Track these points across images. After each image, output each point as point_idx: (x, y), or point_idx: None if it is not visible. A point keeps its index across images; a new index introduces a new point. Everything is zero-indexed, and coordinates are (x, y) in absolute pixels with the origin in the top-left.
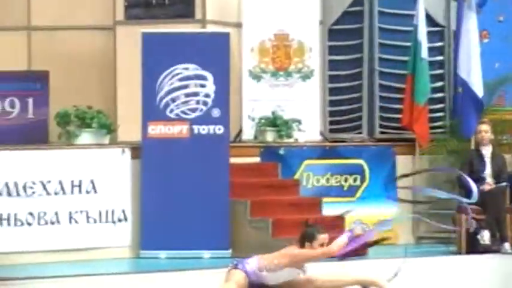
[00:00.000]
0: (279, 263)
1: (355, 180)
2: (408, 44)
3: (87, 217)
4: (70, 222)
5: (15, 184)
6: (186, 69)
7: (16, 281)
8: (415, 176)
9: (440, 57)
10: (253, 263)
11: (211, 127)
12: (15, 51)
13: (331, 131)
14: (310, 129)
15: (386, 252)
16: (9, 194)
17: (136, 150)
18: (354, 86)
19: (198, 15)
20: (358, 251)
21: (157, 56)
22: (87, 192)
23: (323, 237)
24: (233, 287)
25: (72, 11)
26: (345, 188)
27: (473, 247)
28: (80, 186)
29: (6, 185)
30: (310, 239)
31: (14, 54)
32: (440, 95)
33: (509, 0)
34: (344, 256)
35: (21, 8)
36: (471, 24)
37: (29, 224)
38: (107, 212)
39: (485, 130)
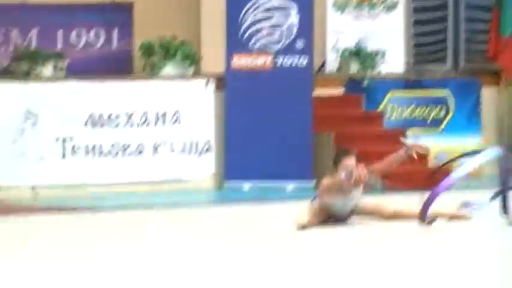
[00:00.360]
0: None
1: (439, 112)
2: None
3: (171, 148)
4: (154, 153)
5: (100, 115)
6: (270, 0)
7: (102, 212)
8: None
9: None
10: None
11: (295, 59)
12: None
13: (416, 62)
14: (394, 60)
15: (470, 185)
16: (93, 125)
17: (220, 82)
18: (440, 17)
19: None
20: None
21: None
22: (172, 123)
23: (347, 161)
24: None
25: None
26: (429, 120)
27: None
28: (164, 117)
29: (91, 116)
30: (336, 162)
31: None
32: None
33: None
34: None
35: None
36: None
37: (113, 156)
38: (191, 143)
39: None
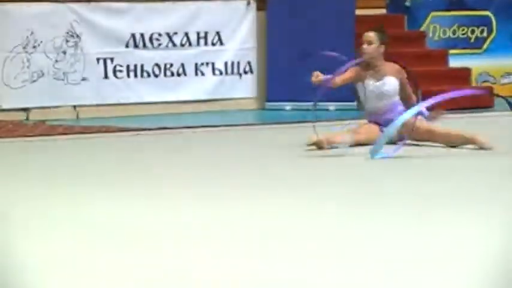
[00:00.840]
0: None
1: (482, 32)
2: None
3: (213, 69)
4: (196, 74)
5: (142, 36)
6: None
7: (145, 131)
8: None
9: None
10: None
11: None
12: None
13: None
14: None
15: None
16: (135, 46)
17: (262, 2)
18: None
19: None
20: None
21: None
22: (213, 44)
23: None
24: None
25: None
26: (472, 40)
27: None
28: (205, 38)
29: (133, 36)
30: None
31: None
32: None
33: None
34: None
35: None
36: None
37: (156, 76)
38: (232, 64)
39: None
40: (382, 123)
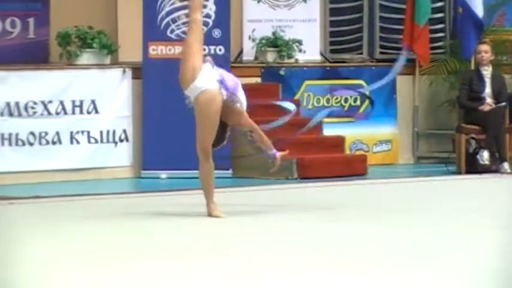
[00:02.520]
0: None
1: (355, 100)
2: None
3: (89, 137)
4: (71, 142)
5: (17, 104)
6: None
7: (19, 200)
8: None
9: None
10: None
11: (212, 48)
12: None
13: (332, 51)
14: (310, 49)
15: (385, 172)
16: (10, 114)
17: (137, 71)
18: (355, 6)
19: None
20: None
21: None
22: (88, 112)
23: None
24: None
25: None
26: (345, 109)
27: (472, 167)
28: (81, 106)
29: (8, 104)
30: None
31: None
32: (440, 15)
33: None
34: None
35: None
36: None
37: (31, 144)
38: (108, 132)
39: (485, 50)
40: None
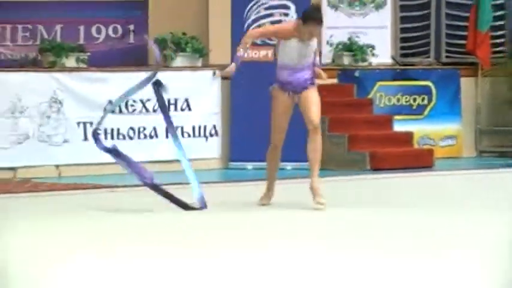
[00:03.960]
0: None
1: (423, 99)
2: None
3: (182, 132)
4: (166, 136)
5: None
6: None
7: (121, 188)
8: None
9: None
10: None
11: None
12: None
13: (402, 55)
14: (382, 54)
15: (450, 164)
16: (112, 111)
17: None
18: (423, 15)
19: None
20: None
21: None
22: (182, 109)
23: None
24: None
25: None
26: (414, 107)
27: None
28: (175, 104)
29: (110, 102)
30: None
31: None
32: (501, 22)
33: None
34: None
35: None
36: None
37: (130, 138)
38: (199, 128)
39: None
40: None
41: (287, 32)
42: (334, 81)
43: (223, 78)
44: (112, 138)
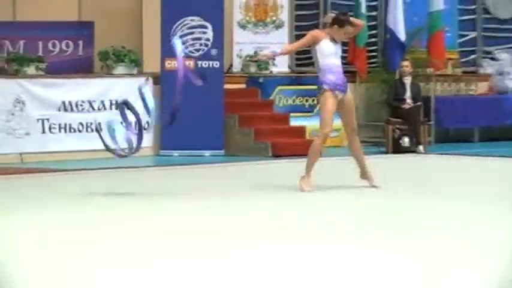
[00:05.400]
0: None
1: (313, 100)
2: (352, 3)
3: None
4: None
5: (70, 102)
6: (193, 20)
7: (67, 172)
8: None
9: (374, 13)
10: None
11: (210, 62)
12: (68, 7)
13: (296, 65)
14: (281, 64)
15: (334, 151)
16: (65, 110)
17: (157, 79)
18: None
19: None
20: None
21: (172, 10)
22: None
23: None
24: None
25: None
26: (306, 106)
27: (396, 149)
28: (116, 104)
29: (63, 103)
30: (341, 24)
31: (68, 9)
32: (374, 39)
33: None
34: None
35: None
36: None
37: (79, 131)
38: (138, 123)
39: (406, 65)
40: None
41: (319, 35)
42: (243, 86)
43: (259, 60)
44: (65, 131)
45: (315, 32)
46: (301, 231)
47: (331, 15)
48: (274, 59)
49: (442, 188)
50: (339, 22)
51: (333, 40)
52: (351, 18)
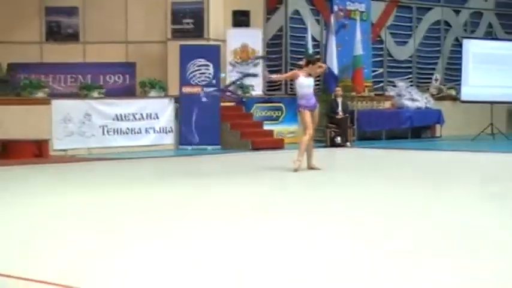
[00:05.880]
0: None
1: (279, 113)
2: (303, 49)
3: (154, 130)
4: (147, 132)
5: (120, 115)
6: (200, 61)
7: (122, 160)
8: None
9: (318, 56)
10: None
11: (211, 88)
12: (119, 52)
13: (267, 90)
14: (258, 89)
15: (292, 147)
16: (118, 119)
17: (177, 99)
18: (279, 70)
19: (206, 35)
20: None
21: (187, 54)
22: (154, 118)
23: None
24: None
25: (148, 31)
26: (274, 117)
27: (333, 144)
28: (151, 115)
29: (116, 115)
30: (311, 62)
31: (119, 54)
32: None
33: (350, 31)
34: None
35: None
36: (332, 40)
37: (127, 134)
38: (163, 128)
39: (338, 90)
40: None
41: (295, 75)
42: (233, 104)
43: (270, 81)
44: (118, 134)
45: (296, 71)
46: (270, 205)
47: (304, 60)
48: (268, 81)
49: (362, 170)
50: (312, 61)
51: (309, 75)
52: (318, 62)
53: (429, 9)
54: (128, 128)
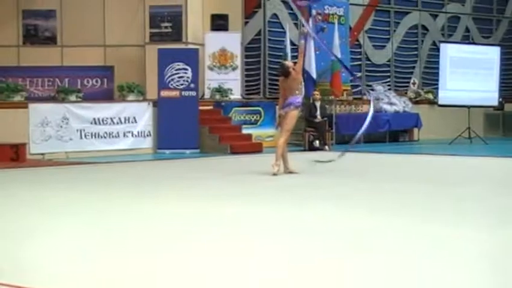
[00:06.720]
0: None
1: (257, 117)
2: (281, 53)
3: (132, 134)
4: (125, 136)
5: (98, 119)
6: (178, 65)
7: (98, 164)
8: None
9: (296, 60)
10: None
11: (190, 92)
12: (97, 56)
13: (246, 94)
14: (236, 93)
15: (270, 151)
16: (95, 123)
17: (155, 103)
18: (257, 73)
19: (184, 39)
20: None
21: (165, 58)
22: (133, 122)
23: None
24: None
25: (126, 35)
26: (252, 121)
27: (311, 147)
28: (129, 119)
29: (94, 119)
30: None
31: (97, 57)
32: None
33: (328, 34)
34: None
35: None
36: (310, 45)
37: (105, 138)
38: (142, 132)
39: (316, 94)
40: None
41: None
42: (211, 107)
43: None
44: (95, 137)
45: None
46: (253, 197)
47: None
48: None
49: (342, 171)
50: (284, 73)
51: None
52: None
53: (407, 13)
54: (105, 132)
